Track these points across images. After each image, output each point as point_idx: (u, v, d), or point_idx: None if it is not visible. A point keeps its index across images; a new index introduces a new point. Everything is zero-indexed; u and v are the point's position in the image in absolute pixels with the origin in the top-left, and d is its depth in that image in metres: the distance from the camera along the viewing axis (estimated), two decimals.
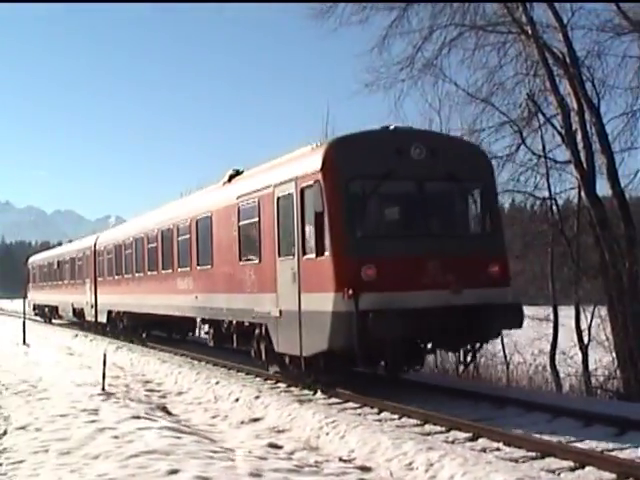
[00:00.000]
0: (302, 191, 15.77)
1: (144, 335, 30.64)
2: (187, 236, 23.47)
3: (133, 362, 24.25)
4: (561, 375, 24.46)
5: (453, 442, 11.87)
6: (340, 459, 11.26)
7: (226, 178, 21.53)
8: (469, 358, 17.50)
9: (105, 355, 17.73)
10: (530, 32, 22.17)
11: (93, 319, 36.36)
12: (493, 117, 24.07)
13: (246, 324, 18.99)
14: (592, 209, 22.17)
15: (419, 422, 13.50)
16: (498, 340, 29.17)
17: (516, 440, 11.56)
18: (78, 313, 40.61)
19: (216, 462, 9.72)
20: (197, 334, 29.86)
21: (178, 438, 11.14)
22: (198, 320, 25.16)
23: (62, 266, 45.45)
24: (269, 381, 19.13)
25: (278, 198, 16.90)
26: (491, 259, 15.86)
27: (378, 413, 14.56)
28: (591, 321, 24.58)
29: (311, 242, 15.36)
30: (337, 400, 16.03)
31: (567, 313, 25.30)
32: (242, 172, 21.16)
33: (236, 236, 19.28)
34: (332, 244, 14.72)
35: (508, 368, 27.41)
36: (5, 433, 11.94)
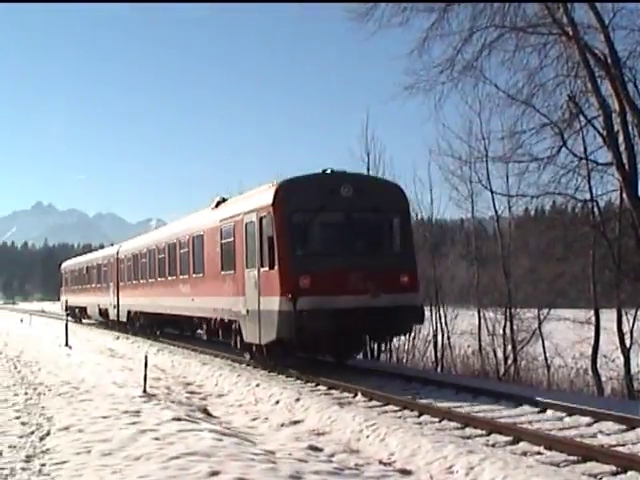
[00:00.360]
0: (260, 219, 20.57)
1: (158, 332, 35.05)
2: (186, 249, 28.55)
3: (174, 364, 24.38)
4: (603, 379, 24.21)
5: (494, 445, 11.80)
6: (380, 462, 11.25)
7: (214, 204, 26.83)
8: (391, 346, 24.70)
9: (146, 357, 17.83)
10: (571, 33, 21.94)
11: (116, 318, 41.13)
12: (534, 119, 23.82)
13: (226, 321, 23.60)
14: (634, 211, 21.89)
15: (460, 425, 13.44)
16: (539, 343, 29.11)
17: (557, 444, 11.47)
18: (103, 313, 45.17)
19: (257, 464, 9.72)
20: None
21: (219, 440, 11.16)
22: (195, 318, 28.20)
23: (90, 271, 50.26)
24: (309, 384, 19.16)
25: (246, 224, 21.66)
26: (403, 272, 20.57)
27: (418, 416, 14.52)
28: (633, 324, 24.31)
29: (266, 258, 19.99)
30: (377, 403, 16.04)
31: (609, 316, 25.02)
32: (227, 199, 26.38)
33: (219, 251, 24.18)
34: (279, 261, 19.49)
35: (549, 371, 27.23)
36: (48, 434, 12.02)
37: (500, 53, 23.61)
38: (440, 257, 36.32)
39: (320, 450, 11.74)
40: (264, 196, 20.69)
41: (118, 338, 35.31)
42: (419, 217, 37.26)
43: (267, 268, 19.91)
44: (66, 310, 57.24)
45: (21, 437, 11.79)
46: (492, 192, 31.18)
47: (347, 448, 12.17)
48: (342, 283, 19.48)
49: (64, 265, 64.04)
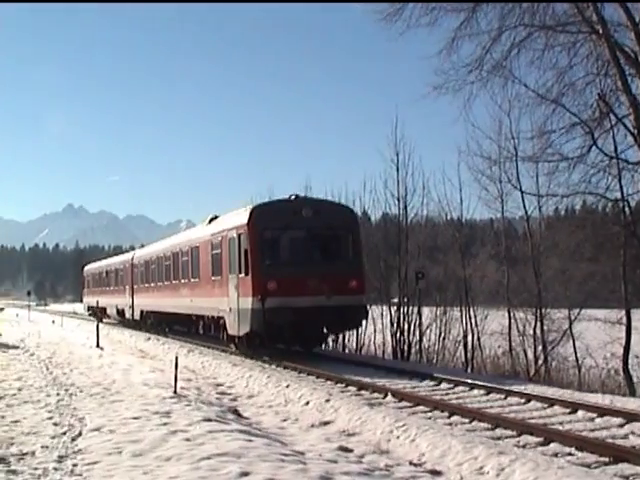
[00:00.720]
0: (239, 235, 25.21)
1: (167, 330, 38.83)
2: (186, 258, 33.36)
3: (205, 365, 24.45)
4: (634, 379, 24.02)
5: (524, 446, 11.75)
6: (410, 463, 11.23)
7: (207, 221, 32.03)
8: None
9: (177, 358, 17.89)
10: (601, 31, 21.77)
11: (131, 317, 45.75)
12: (564, 118, 23.66)
13: (215, 317, 28.38)
14: None
15: (490, 426, 13.40)
16: (570, 343, 28.92)
17: (589, 445, 11.40)
18: (120, 313, 49.70)
19: (287, 465, 9.74)
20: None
21: (249, 441, 11.19)
22: (193, 316, 32.81)
23: (109, 275, 54.94)
24: (339, 384, 19.18)
25: (229, 238, 26.34)
26: (352, 278, 24.91)
27: (449, 417, 14.49)
28: None
29: (243, 267, 24.74)
30: (407, 404, 16.02)
31: None
32: (218, 217, 31.03)
33: (210, 260, 28.95)
34: (252, 269, 24.18)
35: (580, 372, 27.06)
36: (80, 434, 12.09)
37: (529, 52, 23.46)
38: (470, 257, 36.18)
39: (350, 451, 11.74)
40: (241, 217, 25.56)
41: (149, 339, 35.45)
42: (448, 217, 37.20)
43: (243, 274, 24.69)
44: (88, 310, 64.54)
45: (53, 438, 11.87)
46: (522, 192, 31.05)
47: (377, 449, 12.17)
48: (302, 287, 23.98)
49: (86, 269, 68.42)
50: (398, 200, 37.74)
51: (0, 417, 13.78)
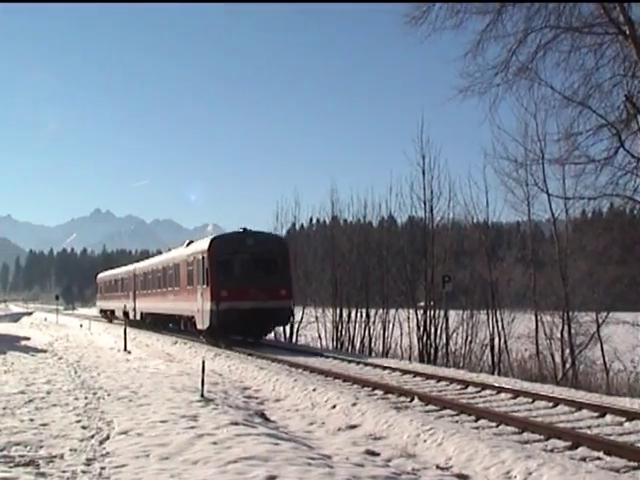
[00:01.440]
0: (202, 258, 33.89)
1: (164, 328, 44.89)
2: (171, 271, 41.64)
3: (231, 369, 24.49)
4: None
5: (552, 450, 11.66)
6: (437, 467, 11.19)
7: (186, 244, 41.15)
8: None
9: (204, 362, 17.94)
10: (628, 32, 21.56)
11: (134, 318, 52.71)
12: (590, 120, 23.45)
13: (190, 316, 36.60)
14: None
15: (517, 430, 13.32)
16: (598, 347, 28.72)
17: (617, 449, 11.30)
18: (125, 314, 56.35)
19: (313, 469, 9.72)
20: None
21: (276, 444, 11.18)
22: (176, 315, 40.79)
23: (117, 283, 62.99)
24: (366, 388, 19.14)
25: (197, 259, 35.02)
26: (281, 288, 33.26)
27: (475, 420, 14.42)
28: None
29: (205, 280, 33.31)
30: (434, 407, 15.96)
31: None
32: (193, 241, 40.49)
33: (186, 274, 37.45)
34: (210, 282, 32.73)
35: (608, 375, 26.88)
36: (108, 438, 12.14)
37: (555, 54, 23.28)
38: (496, 260, 36.07)
39: (377, 454, 11.72)
40: (205, 244, 34.62)
41: (175, 343, 35.56)
42: (474, 220, 37.10)
43: (205, 285, 33.42)
44: (100, 312, 74.29)
45: (82, 440, 11.92)
46: (549, 194, 31.00)
47: (404, 453, 12.13)
48: (245, 294, 32.11)
49: (98, 277, 76.16)
50: (424, 203, 37.93)
51: (29, 420, 13.86)
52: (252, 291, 32.09)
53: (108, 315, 67.08)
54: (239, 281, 32.76)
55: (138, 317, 51.59)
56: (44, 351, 30.87)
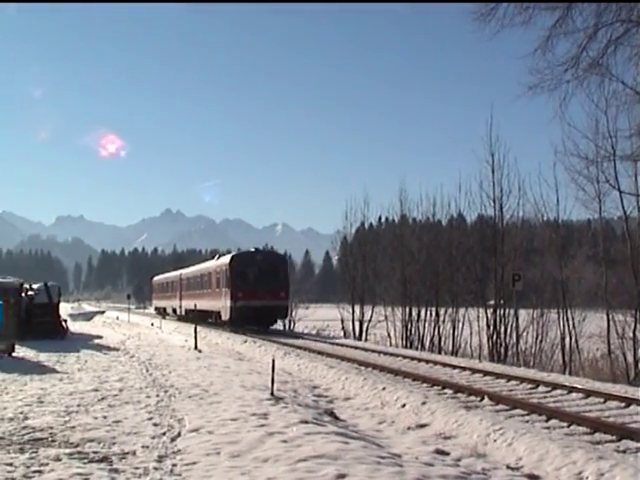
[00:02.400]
0: (226, 269, 46.45)
1: (208, 322, 52.01)
2: (206, 278, 53.76)
3: (301, 368, 24.56)
4: None
5: (625, 452, 11.49)
6: (507, 467, 11.10)
7: (216, 257, 54.84)
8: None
9: (274, 361, 18.02)
10: None
11: (180, 313, 65.33)
12: None
13: (217, 311, 48.18)
14: None
15: (589, 430, 13.14)
16: None
17: None
18: (174, 311, 69.40)
19: (383, 467, 9.70)
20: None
21: (346, 443, 11.18)
22: (209, 311, 50.60)
23: (167, 285, 75.16)
24: (435, 387, 19.06)
25: (223, 269, 47.41)
26: (280, 291, 45.01)
27: (546, 420, 14.26)
28: None
29: (228, 285, 45.54)
30: (504, 407, 15.82)
31: None
32: (222, 255, 54.73)
33: (215, 280, 49.67)
34: (230, 286, 45.06)
35: None
36: (179, 435, 12.25)
37: (627, 49, 22.83)
38: (567, 259, 35.62)
39: (447, 454, 11.66)
40: (228, 259, 47.60)
41: (245, 342, 35.79)
42: (545, 218, 36.68)
43: (227, 289, 45.67)
44: (155, 309, 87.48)
45: (153, 438, 12.06)
46: (620, 192, 30.50)
47: (474, 452, 12.04)
48: (255, 295, 43.74)
49: (153, 280, 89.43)
50: (494, 201, 37.66)
51: (102, 417, 14.06)
52: (260, 293, 43.84)
53: (161, 312, 78.82)
54: (251, 285, 44.61)
55: (183, 313, 63.41)
56: (116, 349, 31.27)
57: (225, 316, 46.19)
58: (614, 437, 12.48)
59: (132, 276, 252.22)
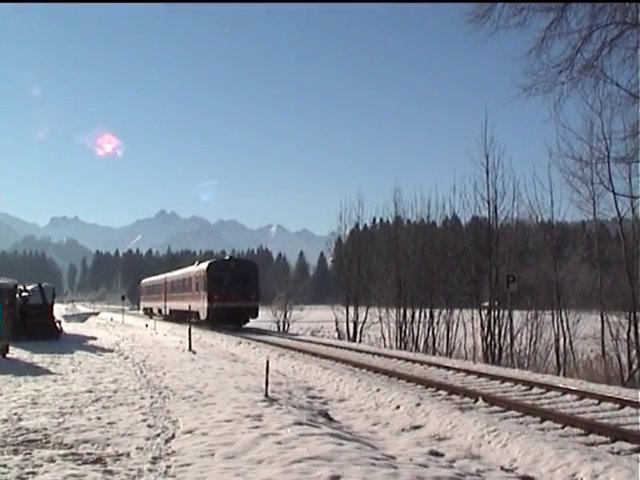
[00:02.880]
0: (204, 274, 51.85)
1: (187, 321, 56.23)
2: (187, 282, 58.30)
3: (295, 369, 24.55)
4: None
5: (619, 453, 11.50)
6: (502, 468, 11.11)
7: (196, 264, 59.14)
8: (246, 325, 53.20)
9: (268, 362, 17.99)
10: None
11: (165, 313, 69.72)
12: None
13: (197, 312, 51.21)
14: None
15: (583, 432, 13.14)
16: None
17: None
18: (159, 311, 73.87)
19: (377, 469, 9.69)
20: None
21: (340, 444, 11.17)
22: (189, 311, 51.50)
23: (155, 287, 79.92)
24: (430, 388, 19.05)
25: (202, 274, 52.71)
26: (251, 294, 50.05)
27: (540, 422, 14.27)
28: None
29: (205, 288, 51.09)
30: (499, 408, 15.83)
31: None
32: (201, 262, 57.37)
33: (195, 284, 54.58)
34: (207, 290, 50.55)
35: None
36: (173, 437, 12.24)
37: (621, 51, 22.89)
38: (561, 260, 35.67)
39: (441, 455, 11.66)
40: (205, 265, 52.53)
41: (240, 343, 35.80)
42: (539, 220, 36.73)
43: (205, 292, 50.71)
44: (143, 310, 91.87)
45: (147, 439, 12.04)
46: (614, 193, 30.54)
47: (468, 454, 12.05)
48: (229, 297, 49.06)
49: (142, 282, 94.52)
50: (488, 203, 37.77)
51: (96, 419, 14.04)
52: (233, 296, 49.13)
53: (148, 312, 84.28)
54: (225, 289, 49.77)
55: (168, 313, 68.36)
56: (111, 351, 31.24)
57: (203, 316, 51.19)
58: (608, 438, 12.48)
59: (126, 277, 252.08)
